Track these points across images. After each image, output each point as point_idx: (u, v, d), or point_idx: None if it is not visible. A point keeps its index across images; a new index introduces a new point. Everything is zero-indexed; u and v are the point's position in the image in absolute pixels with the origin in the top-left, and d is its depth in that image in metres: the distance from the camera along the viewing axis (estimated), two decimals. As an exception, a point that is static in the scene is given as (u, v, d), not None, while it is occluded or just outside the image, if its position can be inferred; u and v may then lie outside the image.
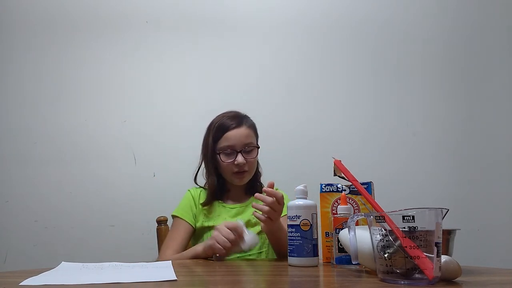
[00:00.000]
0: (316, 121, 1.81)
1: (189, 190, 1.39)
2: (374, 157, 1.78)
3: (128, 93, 1.81)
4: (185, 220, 1.30)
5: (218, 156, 1.31)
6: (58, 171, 1.74)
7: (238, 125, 1.31)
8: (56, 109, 1.79)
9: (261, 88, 1.82)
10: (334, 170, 0.91)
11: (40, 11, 1.84)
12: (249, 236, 1.05)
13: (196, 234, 1.32)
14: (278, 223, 1.09)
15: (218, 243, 1.04)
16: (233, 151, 1.29)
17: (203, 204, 1.34)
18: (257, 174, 1.39)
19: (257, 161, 1.40)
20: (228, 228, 1.05)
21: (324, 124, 1.81)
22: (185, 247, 1.27)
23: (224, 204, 1.36)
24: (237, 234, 1.04)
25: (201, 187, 1.40)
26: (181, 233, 1.28)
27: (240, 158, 1.28)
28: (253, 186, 1.38)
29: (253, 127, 1.36)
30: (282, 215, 1.28)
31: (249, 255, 1.24)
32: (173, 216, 1.35)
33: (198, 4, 1.86)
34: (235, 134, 1.29)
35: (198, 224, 1.30)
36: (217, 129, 1.32)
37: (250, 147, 1.31)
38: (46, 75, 1.81)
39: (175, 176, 1.72)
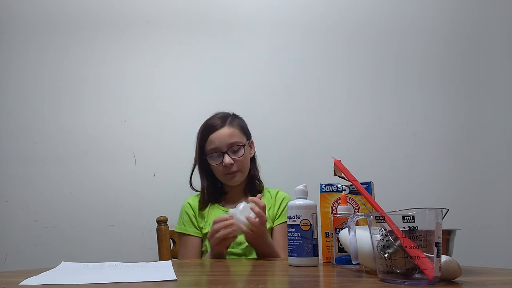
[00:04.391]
0: (316, 121, 1.81)
1: (188, 202, 1.38)
2: (374, 157, 1.78)
3: (128, 93, 1.81)
4: (190, 235, 1.30)
5: (206, 160, 1.32)
6: (58, 171, 1.74)
7: (221, 126, 1.31)
8: (56, 109, 1.79)
9: (261, 88, 1.82)
10: (334, 170, 0.91)
11: (40, 11, 1.84)
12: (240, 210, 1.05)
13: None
14: (266, 238, 1.10)
15: (217, 233, 1.04)
16: (219, 153, 1.29)
17: (199, 209, 1.34)
18: (253, 172, 1.38)
19: (254, 158, 1.39)
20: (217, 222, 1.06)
21: (324, 124, 1.81)
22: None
23: (223, 208, 1.35)
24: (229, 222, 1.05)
25: (199, 191, 1.39)
26: (193, 248, 1.26)
27: (227, 159, 1.28)
28: (252, 185, 1.38)
29: (238, 126, 1.34)
30: (281, 222, 1.28)
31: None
32: (177, 233, 1.34)
33: (198, 4, 1.86)
34: (218, 136, 1.30)
35: (204, 231, 1.29)
36: (202, 134, 1.34)
37: (236, 146, 1.30)
38: (46, 75, 1.81)
39: (175, 176, 1.71)
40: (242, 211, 1.05)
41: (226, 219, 1.05)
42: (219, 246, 1.08)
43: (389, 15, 1.88)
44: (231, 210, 1.07)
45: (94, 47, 1.83)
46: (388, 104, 1.83)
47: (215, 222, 1.06)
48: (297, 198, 0.94)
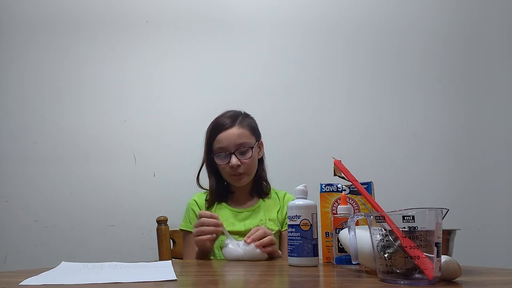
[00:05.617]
0: (316, 121, 1.81)
1: (193, 199, 1.37)
2: (374, 157, 1.78)
3: (128, 93, 1.81)
4: None
5: (214, 158, 1.30)
6: (58, 171, 1.74)
7: (230, 125, 1.28)
8: (56, 109, 1.79)
9: (261, 88, 1.82)
10: (334, 170, 0.91)
11: (40, 11, 1.84)
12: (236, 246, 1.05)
13: None
14: (278, 253, 1.11)
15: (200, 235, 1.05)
16: (227, 153, 1.27)
17: (206, 207, 1.33)
18: (260, 173, 1.37)
19: (262, 159, 1.38)
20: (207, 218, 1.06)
21: (324, 124, 1.81)
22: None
23: (230, 208, 1.34)
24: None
25: (205, 189, 1.39)
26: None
27: (233, 160, 1.26)
28: (259, 186, 1.37)
29: (248, 126, 1.31)
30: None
31: None
32: (183, 231, 1.33)
33: (198, 4, 1.86)
34: (227, 136, 1.27)
35: None
36: (211, 131, 1.31)
37: (244, 148, 1.27)
38: (46, 75, 1.81)
39: (175, 176, 1.72)
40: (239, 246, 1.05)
41: (213, 216, 1.06)
42: (198, 240, 1.07)
43: (389, 15, 1.88)
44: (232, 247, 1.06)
45: (94, 47, 1.83)
46: (388, 104, 1.83)
47: (201, 216, 1.06)
48: (297, 198, 0.94)
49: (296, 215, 0.91)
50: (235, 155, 1.26)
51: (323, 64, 1.85)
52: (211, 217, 1.06)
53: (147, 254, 1.62)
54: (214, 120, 1.33)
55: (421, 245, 0.61)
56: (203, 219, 1.06)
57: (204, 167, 1.37)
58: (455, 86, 1.84)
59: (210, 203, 1.34)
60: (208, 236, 1.05)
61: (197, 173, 1.38)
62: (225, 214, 1.31)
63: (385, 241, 0.64)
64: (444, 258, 0.65)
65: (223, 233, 1.10)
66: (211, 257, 1.26)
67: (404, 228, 0.62)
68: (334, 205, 0.98)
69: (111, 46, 1.83)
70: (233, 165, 1.26)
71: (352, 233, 0.74)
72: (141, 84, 1.82)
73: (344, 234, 0.82)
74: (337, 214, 0.92)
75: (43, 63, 1.81)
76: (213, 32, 1.85)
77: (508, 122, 1.81)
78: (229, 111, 1.35)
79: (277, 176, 1.45)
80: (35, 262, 1.63)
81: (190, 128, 1.73)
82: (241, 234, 1.25)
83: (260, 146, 1.38)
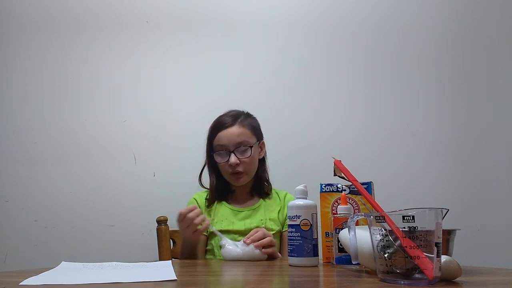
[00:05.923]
0: (316, 121, 1.81)
1: (194, 198, 1.37)
2: (374, 157, 1.78)
3: (128, 93, 1.81)
4: None
5: (213, 156, 1.30)
6: (58, 171, 1.74)
7: (231, 124, 1.29)
8: (56, 109, 1.79)
9: (261, 88, 1.82)
10: (334, 170, 0.91)
11: (40, 11, 1.84)
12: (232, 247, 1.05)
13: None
14: (277, 255, 1.12)
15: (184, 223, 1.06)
16: (226, 151, 1.28)
17: (207, 206, 1.33)
18: (261, 173, 1.37)
19: (264, 160, 1.38)
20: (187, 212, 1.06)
21: (324, 124, 1.81)
22: (203, 256, 1.27)
23: (230, 207, 1.34)
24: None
25: (206, 189, 1.39)
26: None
27: (232, 158, 1.26)
28: (259, 186, 1.37)
29: (249, 126, 1.32)
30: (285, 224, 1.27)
31: None
32: None
33: (198, 4, 1.86)
34: (227, 134, 1.28)
35: (210, 230, 1.25)
36: (212, 129, 1.32)
37: (243, 147, 1.28)
38: (46, 75, 1.81)
39: (175, 176, 1.72)
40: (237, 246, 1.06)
41: (193, 209, 1.07)
42: (196, 234, 1.08)
43: (389, 15, 1.88)
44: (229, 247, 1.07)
45: (94, 47, 1.83)
46: (388, 104, 1.83)
47: (183, 214, 1.06)
48: (297, 198, 0.94)
49: (296, 215, 0.91)
50: (234, 154, 1.27)
51: (323, 64, 1.85)
52: (192, 209, 1.07)
53: (147, 254, 1.62)
54: (216, 118, 1.34)
55: (421, 245, 0.61)
56: (189, 215, 1.06)
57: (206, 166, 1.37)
58: (455, 86, 1.84)
59: (210, 202, 1.34)
60: (203, 227, 1.07)
61: (199, 172, 1.39)
62: (225, 213, 1.32)
63: (385, 241, 0.64)
64: (444, 258, 0.65)
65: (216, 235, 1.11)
66: (210, 257, 1.27)
67: (404, 228, 0.62)
68: (334, 205, 0.98)
69: (111, 46, 1.83)
70: (231, 164, 1.26)
71: (352, 233, 0.74)
72: (141, 84, 1.82)
73: (344, 234, 0.82)
74: (337, 214, 0.92)
75: (43, 63, 1.81)
76: (213, 32, 1.85)
77: (508, 122, 1.81)
78: (232, 111, 1.35)
79: (277, 176, 1.45)
80: (35, 262, 1.63)
81: (190, 128, 1.73)
82: (240, 233, 1.25)
83: (262, 146, 1.38)
